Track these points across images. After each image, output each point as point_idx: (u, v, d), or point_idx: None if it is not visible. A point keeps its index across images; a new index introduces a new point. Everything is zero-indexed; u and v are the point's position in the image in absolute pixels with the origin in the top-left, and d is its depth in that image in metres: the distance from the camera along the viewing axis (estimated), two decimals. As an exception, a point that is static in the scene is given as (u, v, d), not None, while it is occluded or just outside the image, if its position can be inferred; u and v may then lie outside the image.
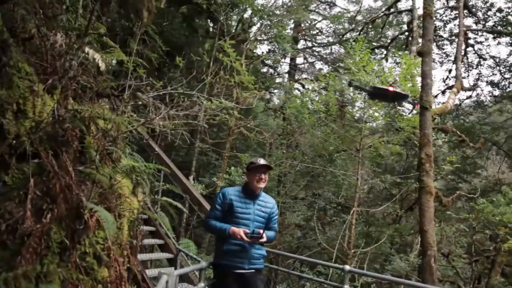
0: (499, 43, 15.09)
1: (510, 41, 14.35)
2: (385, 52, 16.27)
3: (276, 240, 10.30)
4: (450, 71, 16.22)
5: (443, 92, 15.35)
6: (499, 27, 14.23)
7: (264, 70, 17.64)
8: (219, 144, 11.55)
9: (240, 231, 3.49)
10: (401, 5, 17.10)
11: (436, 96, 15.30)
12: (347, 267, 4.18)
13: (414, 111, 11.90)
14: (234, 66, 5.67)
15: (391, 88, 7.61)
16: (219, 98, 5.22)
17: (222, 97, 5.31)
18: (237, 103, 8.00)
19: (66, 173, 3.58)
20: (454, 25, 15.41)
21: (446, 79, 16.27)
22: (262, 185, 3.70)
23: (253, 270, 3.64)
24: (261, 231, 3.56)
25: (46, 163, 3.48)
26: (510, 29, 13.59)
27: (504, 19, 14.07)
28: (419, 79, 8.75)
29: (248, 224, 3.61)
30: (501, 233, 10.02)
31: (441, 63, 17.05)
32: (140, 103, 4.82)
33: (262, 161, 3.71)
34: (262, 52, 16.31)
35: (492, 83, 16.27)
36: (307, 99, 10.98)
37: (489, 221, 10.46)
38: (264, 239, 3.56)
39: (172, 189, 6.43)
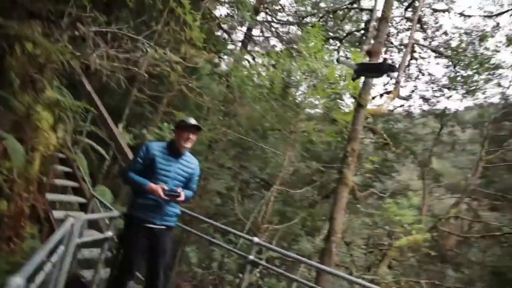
0: (438, 63, 16.25)
1: (447, 64, 15.51)
2: (338, 44, 16.67)
3: (195, 203, 10.38)
4: (391, 77, 17.13)
5: (381, 96, 16.21)
6: (441, 48, 15.28)
7: (219, 33, 17.14)
8: (157, 97, 11.12)
9: (158, 188, 3.45)
10: (364, 3, 17.52)
11: (374, 98, 16.13)
12: (256, 239, 4.37)
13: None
14: (186, 19, 5.43)
15: (387, 56, 7.54)
16: (165, 50, 4.99)
17: (168, 50, 5.09)
18: (184, 60, 7.74)
19: (-24, 91, 3.24)
20: (405, 35, 16.22)
21: (387, 84, 17.20)
22: (189, 145, 3.65)
23: (163, 227, 3.64)
24: (180, 189, 3.55)
25: (-46, 75, 3.12)
26: (449, 52, 14.64)
27: (447, 43, 15.14)
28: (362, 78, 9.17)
29: (167, 181, 3.57)
30: (397, 231, 11.13)
31: (386, 68, 17.93)
32: (78, 34, 4.45)
33: (193, 121, 3.65)
34: (220, 15, 15.80)
35: (423, 98, 17.56)
36: (254, 72, 10.96)
37: (390, 220, 11.52)
38: (182, 198, 3.56)
39: (98, 133, 6.11)
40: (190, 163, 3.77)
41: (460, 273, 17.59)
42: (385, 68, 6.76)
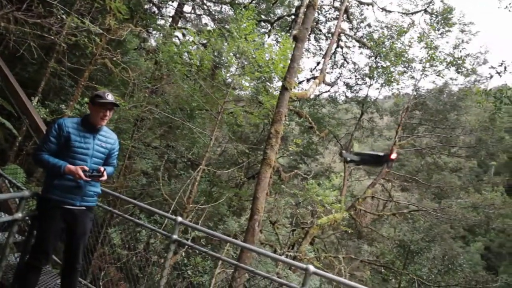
0: (361, 52, 17.28)
1: (369, 54, 16.54)
2: (269, 28, 16.87)
3: (119, 183, 10.02)
4: (318, 63, 17.85)
5: (308, 80, 16.84)
6: (365, 39, 16.23)
7: (147, 6, 16.35)
8: (78, 70, 10.36)
9: (78, 169, 3.24)
10: (297, -11, 17.86)
11: (301, 82, 16.72)
12: (179, 219, 4.35)
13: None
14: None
15: (394, 155, 7.77)
16: (84, 19, 4.64)
17: (87, 19, 4.74)
18: (107, 31, 7.28)
19: None
20: (333, 24, 16.91)
21: (313, 69, 17.87)
22: (104, 122, 3.46)
23: (83, 208, 3.47)
24: (102, 168, 3.38)
25: None
26: (371, 43, 15.60)
27: (370, 34, 16.12)
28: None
29: (86, 159, 3.38)
30: (319, 210, 11.84)
31: (314, 54, 18.62)
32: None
33: (110, 97, 3.41)
34: (150, -14, 15.06)
35: (347, 85, 18.60)
36: (183, 49, 10.68)
37: (313, 200, 12.19)
38: (105, 177, 3.41)
39: (4, 105, 5.54)
40: (108, 138, 3.58)
41: (374, 247, 19.41)
42: (384, 160, 7.22)
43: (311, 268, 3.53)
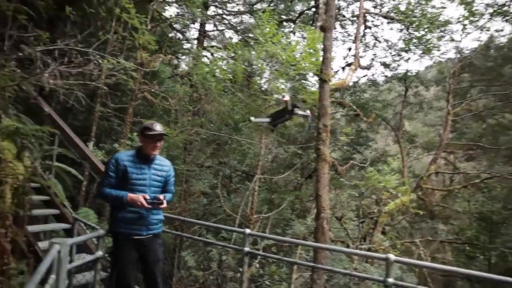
0: (391, 28, 16.58)
1: (400, 28, 15.83)
2: (293, 26, 16.74)
3: (181, 207, 10.27)
4: (350, 49, 17.40)
5: (343, 69, 16.43)
6: (392, 13, 15.58)
7: (172, 34, 16.88)
8: (122, 109, 10.88)
9: (139, 197, 3.35)
10: (310, -19, 17.62)
11: (336, 72, 16.33)
12: (247, 231, 4.34)
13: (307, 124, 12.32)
14: (132, 23, 5.26)
15: (286, 97, 7.69)
16: (119, 58, 4.83)
17: (121, 58, 4.94)
18: (141, 66, 7.56)
19: None
20: (356, 7, 16.45)
21: (346, 56, 17.45)
22: (156, 152, 3.58)
23: (151, 235, 3.56)
24: (161, 196, 3.47)
25: None
26: (400, 16, 14.94)
27: (396, 7, 15.44)
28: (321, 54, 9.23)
29: (144, 190, 3.48)
30: (384, 197, 11.38)
31: (343, 41, 18.19)
32: (23, 55, 4.24)
33: (158, 127, 3.53)
34: (170, 15, 15.53)
35: (384, 64, 17.90)
36: (214, 67, 10.85)
37: (375, 188, 11.75)
38: (165, 205, 3.49)
39: (67, 154, 5.88)
40: (163, 166, 3.68)
41: (450, 225, 18.23)
42: (290, 109, 7.00)
43: (392, 256, 3.34)
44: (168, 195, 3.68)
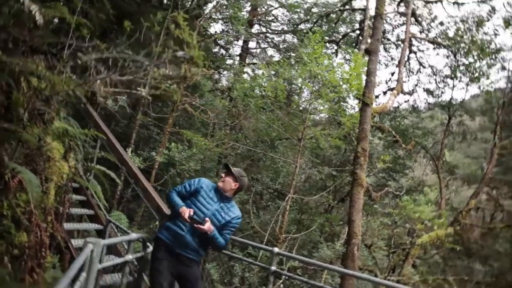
0: (437, 54, 16.21)
1: (447, 54, 15.45)
2: (335, 48, 16.75)
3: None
4: (393, 74, 17.11)
5: (384, 93, 16.18)
6: (439, 39, 15.25)
7: (216, 50, 17.38)
8: (162, 119, 11.26)
9: (186, 211, 3.44)
10: (356, 3, 17.69)
11: (377, 96, 16.08)
12: (276, 250, 4.32)
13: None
14: (184, 38, 5.47)
15: None
16: (166, 69, 5.04)
17: (168, 70, 5.13)
18: (185, 78, 7.81)
19: (-13, 128, 3.29)
20: (401, 31, 16.26)
21: (389, 81, 17.16)
22: (221, 184, 3.74)
23: (183, 257, 3.57)
24: (209, 223, 3.46)
25: (-35, 114, 3.18)
26: (447, 42, 14.58)
27: (444, 32, 15.10)
28: (363, 77, 9.17)
29: (201, 217, 3.53)
30: (418, 228, 10.93)
31: (386, 65, 17.96)
32: (80, 63, 4.51)
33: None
34: (215, 32, 16.03)
35: (427, 91, 17.46)
36: (255, 83, 11.01)
37: (409, 217, 11.34)
38: (204, 228, 3.42)
39: (109, 157, 6.14)
40: (231, 211, 3.72)
41: (488, 266, 17.09)
42: None
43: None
44: (220, 238, 3.64)
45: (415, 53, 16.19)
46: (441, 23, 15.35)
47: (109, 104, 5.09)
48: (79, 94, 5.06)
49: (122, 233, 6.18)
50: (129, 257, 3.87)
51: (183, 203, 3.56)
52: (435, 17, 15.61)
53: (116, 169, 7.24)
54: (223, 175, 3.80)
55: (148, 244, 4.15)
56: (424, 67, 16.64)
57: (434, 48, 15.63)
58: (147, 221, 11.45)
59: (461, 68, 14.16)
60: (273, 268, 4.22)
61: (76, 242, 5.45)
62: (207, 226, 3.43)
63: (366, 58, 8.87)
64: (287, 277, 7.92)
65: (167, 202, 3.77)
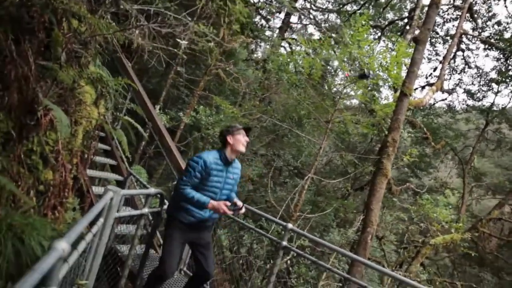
0: (487, 55, 15.35)
1: (497, 56, 14.61)
2: (379, 34, 16.13)
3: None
4: (435, 69, 16.45)
5: (423, 88, 15.60)
6: (492, 39, 14.38)
7: (256, 19, 17.03)
8: (193, 81, 11.23)
9: (221, 205, 3.35)
10: (408, -9, 16.82)
11: (415, 90, 15.54)
12: (289, 225, 4.28)
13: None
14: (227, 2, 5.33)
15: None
16: (205, 27, 4.93)
17: (208, 28, 5.03)
18: (222, 41, 7.69)
19: (25, 63, 3.30)
20: (452, 25, 15.44)
21: (429, 76, 16.51)
22: (244, 149, 3.56)
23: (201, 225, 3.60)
24: (240, 203, 3.50)
25: (4, 46, 3.19)
26: (502, 44, 13.75)
27: (500, 33, 14.21)
28: (404, 68, 8.81)
29: (216, 192, 3.47)
30: (434, 228, 10.71)
31: (429, 59, 17.21)
32: (121, 11, 4.46)
33: (240, 127, 3.61)
34: (259, 0, 15.64)
35: (468, 92, 16.70)
36: (291, 58, 10.74)
37: (426, 216, 11.09)
38: (243, 210, 3.52)
39: (137, 111, 6.18)
40: (236, 168, 3.66)
41: (499, 278, 16.75)
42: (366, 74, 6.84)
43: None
44: (233, 195, 3.69)
45: (463, 51, 15.41)
46: (498, 23, 14.43)
47: (145, 57, 5.04)
48: (116, 42, 5.04)
49: (141, 187, 6.29)
50: (146, 210, 3.92)
51: (205, 197, 3.36)
52: (493, 15, 14.67)
53: (143, 124, 7.30)
54: (247, 139, 3.59)
55: (165, 201, 4.18)
56: (470, 67, 15.87)
57: (484, 49, 14.80)
58: (166, 180, 11.66)
59: (511, 73, 13.36)
60: (284, 243, 4.19)
61: (96, 189, 5.59)
62: (244, 209, 3.50)
63: (411, 49, 8.45)
64: (294, 255, 7.97)
65: (183, 199, 3.42)
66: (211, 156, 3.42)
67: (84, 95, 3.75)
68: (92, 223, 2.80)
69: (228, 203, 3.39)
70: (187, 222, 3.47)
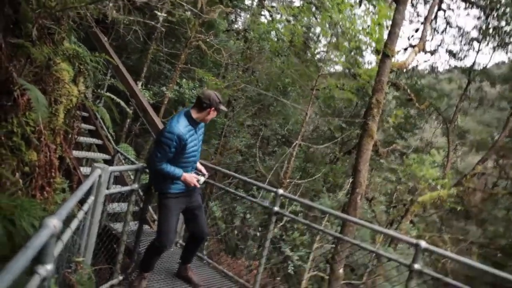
0: (468, 14, 15.33)
1: (478, 15, 14.57)
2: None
3: (216, 160, 10.45)
4: (417, 30, 16.37)
5: (405, 50, 15.56)
6: (472, -2, 14.29)
7: (234, -12, 16.52)
8: (174, 55, 10.97)
9: (193, 179, 3.52)
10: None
11: (397, 52, 15.50)
12: (280, 191, 4.31)
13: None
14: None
15: None
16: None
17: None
18: (200, 12, 7.47)
19: (-5, 41, 3.16)
20: (434, -15, 15.23)
21: (411, 37, 16.43)
22: (213, 117, 3.66)
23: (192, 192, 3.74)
24: (204, 170, 3.76)
25: (-29, 25, 3.04)
26: (482, 2, 13.69)
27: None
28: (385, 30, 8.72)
29: (195, 155, 3.57)
30: (421, 186, 11.00)
31: (411, 21, 17.12)
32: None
33: (223, 108, 3.68)
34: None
35: (450, 52, 16.74)
36: (272, 27, 10.55)
37: (414, 176, 11.37)
38: (207, 174, 3.79)
39: (119, 86, 6.04)
40: (201, 127, 3.70)
41: (484, 229, 17.49)
42: None
43: (423, 243, 3.21)
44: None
45: (444, 10, 15.30)
46: (479, -21, 14.33)
47: (121, 31, 4.88)
48: (90, 17, 4.86)
49: (130, 164, 6.24)
50: (135, 186, 3.90)
51: (177, 169, 3.43)
52: (473, -28, 14.54)
53: (126, 102, 7.17)
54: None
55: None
56: (451, 26, 15.83)
57: (465, 8, 14.71)
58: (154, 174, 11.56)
59: (491, 31, 13.37)
60: (276, 208, 4.25)
61: (85, 170, 5.54)
62: (207, 174, 3.75)
63: (391, 13, 8.35)
64: (288, 220, 8.12)
65: (161, 174, 3.46)
66: (181, 127, 3.36)
67: (61, 73, 3.63)
68: (83, 202, 2.80)
69: (198, 177, 3.59)
70: (178, 191, 3.55)
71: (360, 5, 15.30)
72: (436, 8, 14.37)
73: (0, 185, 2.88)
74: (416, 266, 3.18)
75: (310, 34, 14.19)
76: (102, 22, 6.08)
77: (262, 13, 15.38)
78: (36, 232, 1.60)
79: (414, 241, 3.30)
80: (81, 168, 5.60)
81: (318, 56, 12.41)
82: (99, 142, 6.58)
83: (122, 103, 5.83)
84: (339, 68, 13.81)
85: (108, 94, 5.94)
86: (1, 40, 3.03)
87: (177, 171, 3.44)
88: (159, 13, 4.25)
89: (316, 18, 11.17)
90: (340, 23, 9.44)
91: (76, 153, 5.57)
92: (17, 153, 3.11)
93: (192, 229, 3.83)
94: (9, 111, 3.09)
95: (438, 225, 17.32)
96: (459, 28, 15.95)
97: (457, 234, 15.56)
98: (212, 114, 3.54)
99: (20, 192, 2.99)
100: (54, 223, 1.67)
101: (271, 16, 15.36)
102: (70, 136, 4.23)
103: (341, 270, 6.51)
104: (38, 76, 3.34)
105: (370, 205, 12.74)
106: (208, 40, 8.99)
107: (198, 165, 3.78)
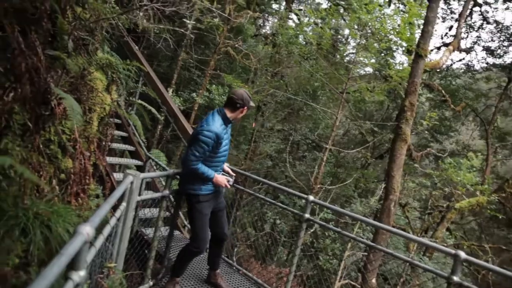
0: (507, 8, 14.53)
1: (518, 9, 13.87)
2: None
3: (247, 165, 10.46)
4: (450, 28, 15.76)
5: (438, 49, 15.04)
6: (513, -10, 13.64)
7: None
8: (204, 62, 11.13)
9: (224, 180, 3.57)
10: None
11: (430, 52, 14.99)
12: (311, 197, 4.24)
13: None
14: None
15: None
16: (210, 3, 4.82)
17: (213, 2, 4.91)
18: (229, 20, 7.55)
19: (34, 53, 3.29)
20: (468, -21, 14.65)
21: (444, 36, 15.88)
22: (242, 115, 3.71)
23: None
24: (231, 172, 3.81)
25: (12, 39, 3.18)
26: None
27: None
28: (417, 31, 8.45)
29: (226, 155, 3.62)
30: (459, 192, 10.51)
31: (444, 19, 16.51)
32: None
33: (253, 104, 3.69)
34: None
35: (487, 49, 15.98)
36: (300, 30, 10.47)
37: (450, 181, 10.88)
38: (234, 176, 3.83)
39: (150, 93, 6.17)
40: (230, 127, 3.72)
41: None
42: None
43: (462, 254, 3.03)
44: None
45: (480, 6, 14.65)
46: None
47: (151, 39, 4.99)
48: (122, 27, 4.99)
49: (161, 170, 6.35)
50: (166, 192, 3.94)
51: (211, 171, 3.47)
52: (512, -36, 13.88)
53: (157, 109, 7.32)
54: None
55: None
56: (488, 22, 15.09)
57: (504, 1, 14.00)
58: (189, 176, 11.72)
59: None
60: (307, 215, 4.17)
61: (118, 176, 5.68)
62: (234, 176, 3.84)
63: (423, 11, 8.08)
64: (319, 227, 7.98)
65: (194, 174, 3.45)
66: (218, 125, 3.40)
67: (95, 82, 3.74)
68: (115, 208, 2.85)
69: (230, 179, 3.66)
70: (207, 193, 3.57)
71: (389, 5, 14.98)
72: (471, 3, 13.79)
73: (38, 192, 2.99)
74: (456, 278, 3.02)
75: (339, 36, 14.02)
76: (133, 31, 6.25)
77: (290, 16, 15.36)
78: (70, 238, 1.64)
79: (452, 251, 3.13)
80: (114, 174, 5.75)
81: (347, 58, 12.20)
82: (132, 148, 6.74)
83: (154, 110, 5.94)
84: (369, 70, 13.55)
85: (140, 101, 6.08)
86: (40, 53, 3.15)
87: (210, 172, 3.47)
88: (188, 21, 4.29)
89: (344, 20, 10.99)
90: (369, 23, 9.25)
91: (109, 159, 5.73)
92: (54, 160, 3.22)
93: (215, 230, 3.84)
94: (47, 120, 3.21)
95: (477, 233, 16.54)
96: (497, 23, 15.20)
97: (499, 243, 14.74)
98: (243, 114, 3.62)
99: (56, 199, 3.09)
100: (87, 230, 1.70)
101: (298, 19, 15.31)
102: (103, 143, 4.34)
103: (373, 280, 6.29)
104: (73, 86, 3.46)
105: (404, 212, 12.32)
106: (236, 45, 9.05)
107: (225, 167, 3.80)
